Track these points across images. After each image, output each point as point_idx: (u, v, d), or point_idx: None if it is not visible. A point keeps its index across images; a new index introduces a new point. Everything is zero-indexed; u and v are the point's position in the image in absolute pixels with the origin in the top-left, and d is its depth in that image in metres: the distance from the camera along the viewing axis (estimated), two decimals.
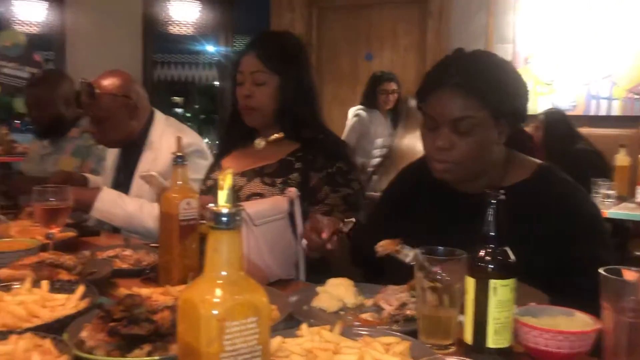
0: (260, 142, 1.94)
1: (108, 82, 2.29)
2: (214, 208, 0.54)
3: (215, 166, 2.03)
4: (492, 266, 1.02)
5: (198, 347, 0.53)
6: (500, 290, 1.01)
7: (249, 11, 7.22)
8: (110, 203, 2.10)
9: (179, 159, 1.35)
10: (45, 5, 6.63)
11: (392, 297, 1.26)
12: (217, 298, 0.53)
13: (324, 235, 1.40)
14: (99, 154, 2.81)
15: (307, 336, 0.99)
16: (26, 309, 1.08)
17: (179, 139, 1.35)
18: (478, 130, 1.34)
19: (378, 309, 1.26)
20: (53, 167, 2.84)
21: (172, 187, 1.33)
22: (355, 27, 5.50)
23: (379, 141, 4.28)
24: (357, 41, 5.51)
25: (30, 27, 6.73)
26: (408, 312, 1.20)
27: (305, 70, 1.94)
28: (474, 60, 1.41)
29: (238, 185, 1.85)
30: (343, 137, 4.43)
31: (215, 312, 0.53)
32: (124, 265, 1.57)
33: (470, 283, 1.03)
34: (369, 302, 1.30)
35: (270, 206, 1.53)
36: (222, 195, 0.54)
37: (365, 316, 1.22)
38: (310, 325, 1.05)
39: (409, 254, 1.26)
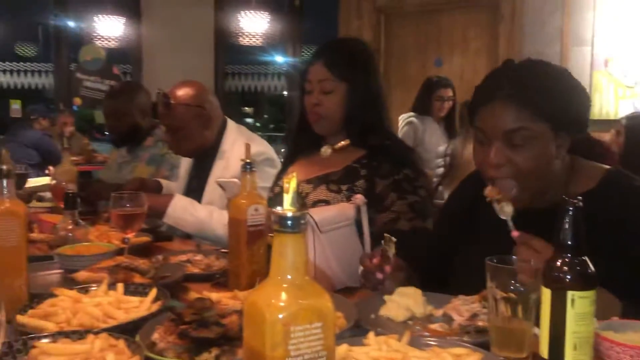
0: (326, 150, 1.95)
1: (182, 93, 2.37)
2: (279, 211, 0.54)
3: (282, 174, 2.05)
4: (570, 276, 0.97)
5: (263, 351, 0.53)
6: (579, 302, 0.95)
7: (317, 21, 7.29)
8: (181, 210, 2.16)
9: (248, 166, 1.37)
10: (124, 20, 6.95)
11: (462, 308, 1.23)
12: (282, 302, 0.53)
13: (375, 262, 1.34)
14: (172, 161, 2.90)
15: (374, 345, 0.97)
16: (102, 310, 1.12)
17: (247, 147, 1.37)
18: (534, 143, 1.27)
19: (448, 319, 1.22)
20: (130, 174, 2.95)
21: (240, 194, 1.35)
22: (424, 33, 5.43)
23: (441, 149, 4.12)
24: (426, 47, 5.44)
25: (110, 41, 7.06)
26: (480, 323, 1.16)
27: (372, 77, 1.93)
28: (526, 70, 1.34)
29: (304, 193, 1.86)
30: None
31: (280, 316, 0.52)
32: (195, 270, 1.61)
33: (546, 294, 0.98)
34: (438, 313, 1.27)
35: (337, 213, 1.52)
36: (287, 199, 0.54)
37: (435, 326, 1.19)
38: (378, 334, 1.03)
39: (505, 211, 1.21)
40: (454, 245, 1.50)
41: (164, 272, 1.47)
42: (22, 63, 10.03)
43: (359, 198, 1.59)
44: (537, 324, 1.01)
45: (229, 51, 7.35)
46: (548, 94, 1.27)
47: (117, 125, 3.09)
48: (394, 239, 1.31)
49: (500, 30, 4.93)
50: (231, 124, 2.50)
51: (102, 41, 7.08)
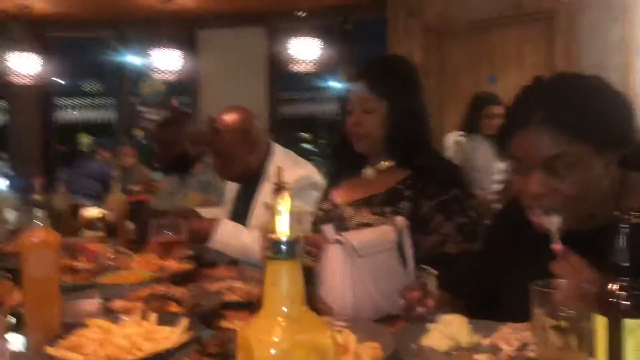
0: (369, 171, 1.89)
1: (228, 118, 2.43)
2: (273, 236, 0.49)
3: (325, 197, 2.00)
4: (628, 302, 0.86)
5: None
6: (639, 332, 0.85)
7: (367, 44, 7.28)
8: (227, 234, 2.14)
9: (281, 189, 1.33)
10: (181, 53, 7.15)
11: (512, 337, 1.13)
12: (274, 337, 0.47)
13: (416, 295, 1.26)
14: (221, 187, 2.91)
15: None
16: (130, 341, 1.09)
17: (280, 170, 1.33)
18: (578, 167, 1.16)
19: (495, 349, 1.13)
20: (181, 202, 2.98)
21: (271, 218, 1.31)
22: (477, 50, 5.31)
23: (499, 166, 3.91)
24: (479, 64, 5.31)
25: (168, 74, 7.27)
26: (531, 354, 1.06)
27: (414, 95, 1.87)
28: (558, 88, 1.23)
29: (346, 216, 1.80)
30: None
31: (272, 352, 0.47)
32: (234, 297, 1.57)
33: (600, 322, 0.88)
34: (485, 342, 1.17)
35: (376, 236, 1.46)
36: (280, 221, 0.49)
37: (480, 357, 1.10)
38: None
39: (554, 222, 1.12)
40: (501, 268, 1.40)
41: (200, 300, 1.44)
42: (89, 98, 10.50)
43: (400, 220, 1.52)
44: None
45: (282, 78, 7.44)
46: (585, 113, 1.16)
47: (166, 153, 3.15)
48: (434, 272, 1.23)
49: (557, 43, 4.75)
50: (277, 148, 2.51)
51: (161, 74, 7.30)
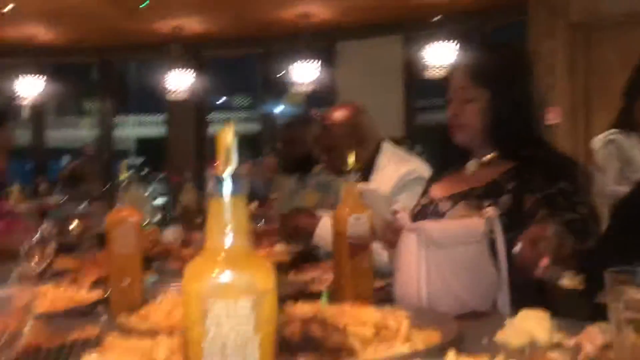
0: (472, 164, 1.78)
1: (337, 113, 2.48)
2: (215, 171, 0.47)
3: (426, 193, 1.92)
4: None
5: (185, 328, 0.46)
6: None
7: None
8: (328, 230, 2.14)
9: (349, 175, 1.30)
10: (320, 65, 7.36)
11: (599, 337, 0.99)
12: (203, 273, 0.45)
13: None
14: (338, 187, 2.93)
15: None
16: None
17: (351, 154, 1.30)
18: None
19: (578, 349, 0.99)
20: (299, 202, 3.05)
21: (343, 203, 1.28)
22: (628, 45, 4.82)
23: None
24: (632, 60, 4.81)
25: (308, 86, 7.53)
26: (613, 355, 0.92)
27: (520, 83, 1.74)
28: None
29: (442, 210, 1.71)
30: (599, 168, 3.75)
31: (198, 288, 0.45)
32: (317, 288, 1.56)
33: None
34: (569, 342, 1.03)
35: (460, 227, 1.36)
36: (220, 157, 0.47)
37: (554, 355, 0.97)
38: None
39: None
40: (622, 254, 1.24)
41: (281, 289, 1.45)
42: (239, 112, 11.20)
43: (491, 211, 1.41)
44: None
45: (417, 86, 7.35)
46: None
47: (290, 152, 3.25)
48: None
49: None
50: (387, 145, 2.48)
51: (300, 86, 7.58)
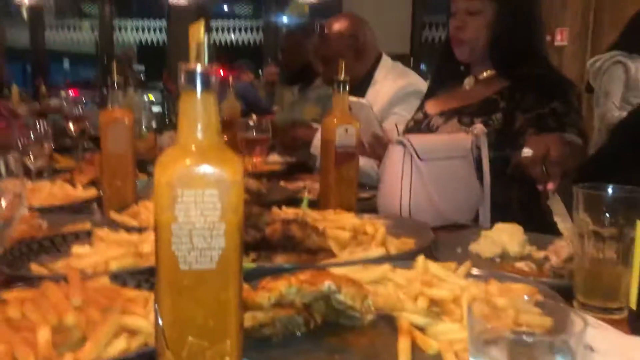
0: (469, 81, 1.78)
1: (337, 23, 2.43)
2: (187, 66, 0.48)
3: (421, 108, 1.93)
4: None
5: (155, 215, 0.49)
6: None
7: None
8: None
9: (340, 85, 1.30)
10: None
11: (564, 250, 1.04)
12: (173, 163, 0.48)
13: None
14: None
15: (420, 269, 0.86)
16: None
17: (341, 63, 1.29)
18: None
19: (545, 261, 1.04)
20: (299, 115, 3.05)
21: (332, 114, 1.30)
22: None
23: None
24: None
25: None
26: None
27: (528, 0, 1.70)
28: None
29: (435, 125, 1.73)
30: (603, 91, 3.65)
31: (169, 177, 0.47)
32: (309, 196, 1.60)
33: None
34: (539, 254, 1.09)
35: (446, 142, 1.38)
36: (194, 52, 0.48)
37: (521, 265, 1.03)
38: None
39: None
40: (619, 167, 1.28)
41: (271, 194, 1.49)
42: (238, 20, 10.88)
43: (478, 127, 1.42)
44: None
45: (427, 1, 7.13)
46: None
47: (291, 61, 3.20)
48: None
49: None
50: (386, 59, 2.46)
51: None
